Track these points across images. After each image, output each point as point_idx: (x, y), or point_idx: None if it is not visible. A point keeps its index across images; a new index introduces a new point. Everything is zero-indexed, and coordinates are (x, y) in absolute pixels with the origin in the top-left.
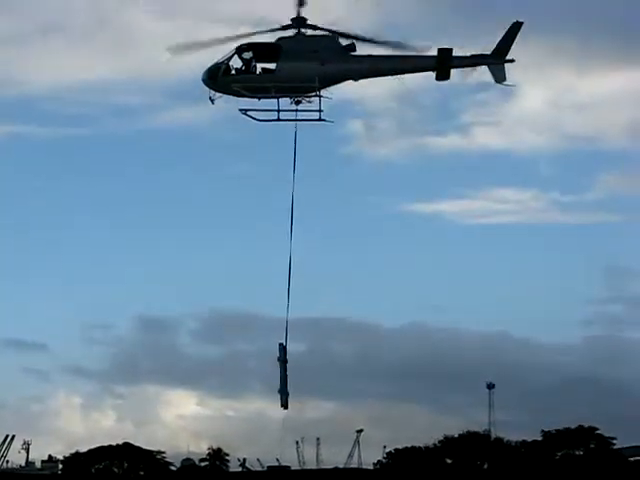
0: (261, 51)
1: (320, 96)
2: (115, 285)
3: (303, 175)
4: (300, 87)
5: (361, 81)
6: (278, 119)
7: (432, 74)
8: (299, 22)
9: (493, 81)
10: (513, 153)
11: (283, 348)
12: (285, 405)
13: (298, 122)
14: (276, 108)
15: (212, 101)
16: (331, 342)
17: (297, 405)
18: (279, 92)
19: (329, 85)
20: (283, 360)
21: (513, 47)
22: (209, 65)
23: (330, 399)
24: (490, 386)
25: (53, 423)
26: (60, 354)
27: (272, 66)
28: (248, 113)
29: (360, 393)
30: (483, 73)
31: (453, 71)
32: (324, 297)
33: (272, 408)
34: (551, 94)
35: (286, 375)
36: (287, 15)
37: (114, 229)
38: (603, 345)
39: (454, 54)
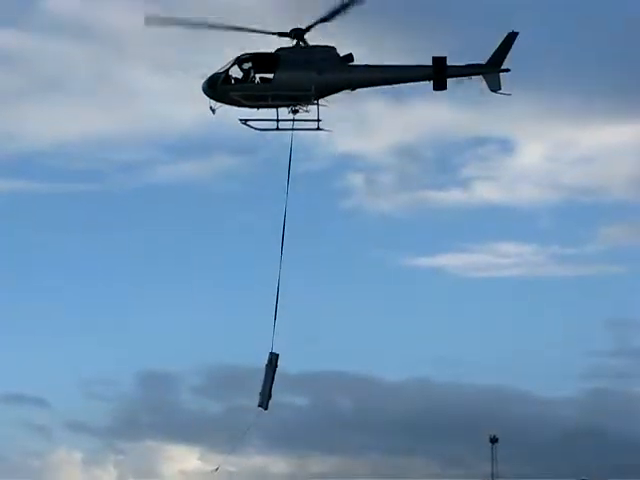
0: (260, 61)
1: (318, 105)
2: (116, 340)
3: (303, 228)
4: (297, 95)
5: (362, 136)
6: (277, 128)
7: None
8: (298, 32)
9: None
10: (513, 207)
11: (276, 356)
12: (266, 406)
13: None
14: (275, 118)
15: (213, 111)
16: (333, 396)
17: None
18: (276, 100)
19: (326, 94)
20: (274, 366)
21: (513, 95)
22: (209, 75)
23: (332, 453)
24: (493, 440)
25: (54, 479)
26: (61, 409)
27: (270, 75)
28: (248, 123)
29: (363, 447)
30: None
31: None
32: (325, 351)
33: (274, 464)
34: (550, 148)
35: (273, 380)
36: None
37: (116, 283)
38: (607, 398)
39: (450, 64)
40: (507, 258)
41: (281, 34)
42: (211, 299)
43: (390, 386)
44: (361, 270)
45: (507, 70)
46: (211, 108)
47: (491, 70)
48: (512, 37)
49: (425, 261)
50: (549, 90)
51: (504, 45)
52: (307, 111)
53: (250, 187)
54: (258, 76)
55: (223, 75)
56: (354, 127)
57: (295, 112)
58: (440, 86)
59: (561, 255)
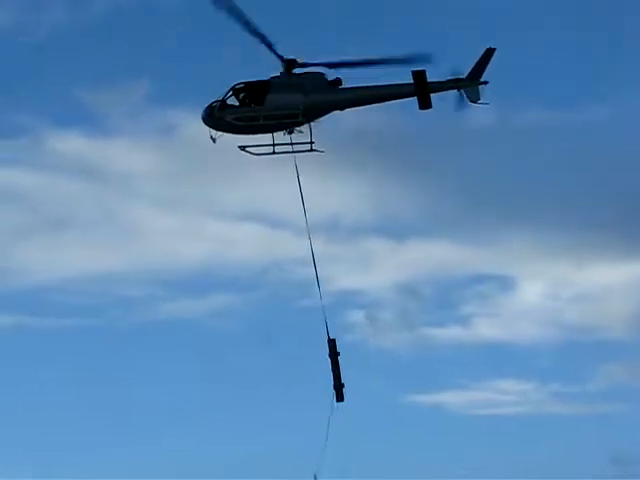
0: (253, 88)
1: (310, 128)
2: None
3: (303, 365)
4: (286, 114)
5: (364, 273)
6: (273, 152)
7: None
8: (289, 63)
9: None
10: (514, 345)
11: (333, 342)
12: (342, 398)
13: (296, 158)
14: (271, 143)
15: (213, 140)
16: None
17: None
18: (267, 120)
19: (317, 116)
20: (335, 354)
21: (513, 233)
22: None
23: None
24: None
25: None
26: None
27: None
28: (246, 149)
29: None
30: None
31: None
32: None
33: None
34: (550, 286)
35: (339, 369)
36: None
37: (118, 423)
38: None
39: (432, 80)
40: (508, 395)
41: (280, 58)
42: (215, 440)
43: None
44: (360, 406)
45: (485, 83)
46: (211, 137)
47: (471, 84)
48: (490, 52)
49: (425, 398)
50: (548, 228)
51: (483, 60)
52: (301, 132)
53: (249, 325)
54: (252, 101)
55: (220, 103)
56: (355, 265)
57: (290, 132)
58: (425, 103)
59: (562, 393)
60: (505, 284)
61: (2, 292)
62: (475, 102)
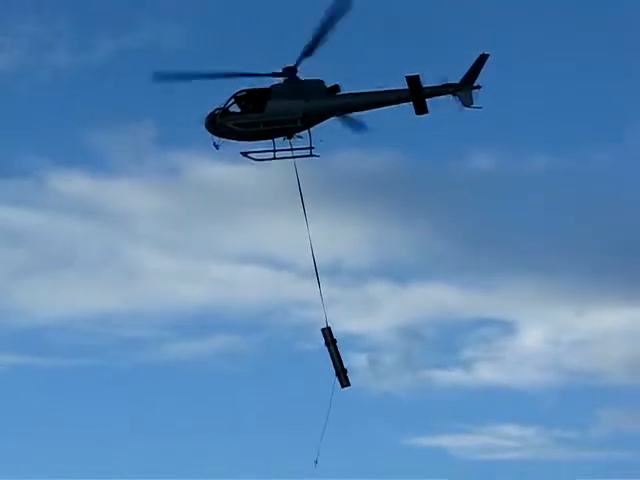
0: (254, 95)
1: (310, 134)
2: None
3: (305, 408)
4: (285, 120)
5: (366, 316)
6: (274, 157)
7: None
8: (289, 70)
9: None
10: (515, 389)
11: (328, 330)
12: (347, 382)
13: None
14: (272, 149)
15: (216, 147)
16: None
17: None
18: (267, 126)
19: (315, 122)
20: (332, 341)
21: (516, 278)
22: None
23: None
24: None
25: None
26: None
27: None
28: (248, 155)
29: None
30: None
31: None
32: None
33: None
34: (551, 331)
35: (338, 354)
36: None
37: (120, 466)
38: None
39: (426, 85)
40: (509, 440)
41: (275, 74)
42: None
43: None
44: (361, 448)
45: (479, 87)
46: (214, 144)
47: (464, 88)
48: (484, 58)
49: (426, 441)
50: (550, 273)
51: (476, 65)
52: (300, 137)
53: (252, 367)
54: (253, 108)
55: (221, 110)
56: (357, 308)
57: (290, 137)
58: (421, 108)
59: (564, 438)
60: (507, 328)
61: (3, 331)
62: (468, 106)
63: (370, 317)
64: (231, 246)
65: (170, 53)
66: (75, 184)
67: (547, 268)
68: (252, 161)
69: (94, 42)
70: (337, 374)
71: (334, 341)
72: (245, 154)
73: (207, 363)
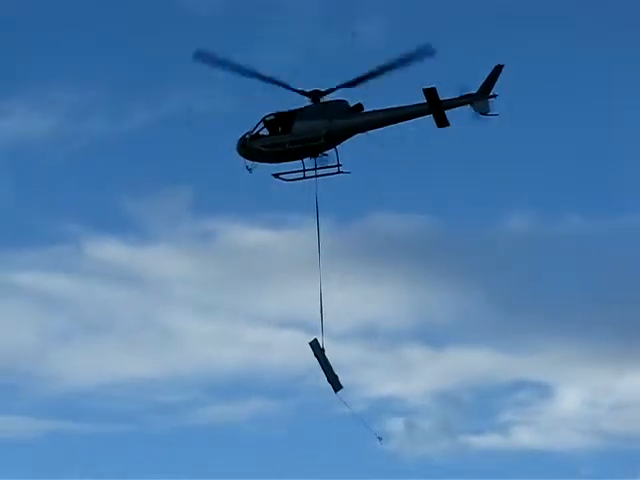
0: (282, 118)
1: (337, 152)
2: None
3: (343, 470)
4: (310, 139)
5: (401, 380)
6: (304, 177)
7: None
8: (316, 94)
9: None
10: (553, 453)
11: (315, 341)
12: (338, 386)
13: (320, 181)
14: (302, 169)
15: (249, 170)
16: None
17: None
18: (294, 144)
19: (340, 139)
20: (321, 351)
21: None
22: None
23: None
24: None
25: None
26: None
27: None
28: (280, 176)
29: None
30: None
31: None
32: None
33: None
34: (589, 393)
35: (327, 362)
36: None
37: None
38: None
39: (444, 98)
40: None
41: (303, 92)
42: None
43: None
44: None
45: (495, 96)
46: (247, 167)
47: (481, 98)
48: (499, 68)
49: None
50: (587, 334)
51: (492, 76)
52: (326, 155)
53: (286, 431)
54: (280, 130)
55: (252, 134)
56: (393, 372)
57: (315, 156)
58: (441, 121)
59: None
60: (544, 391)
61: (39, 397)
62: (485, 114)
63: (406, 381)
64: (265, 310)
65: (204, 117)
66: (111, 250)
67: (584, 330)
68: (284, 182)
69: (130, 109)
70: (329, 381)
71: (322, 351)
72: (276, 175)
73: (241, 427)
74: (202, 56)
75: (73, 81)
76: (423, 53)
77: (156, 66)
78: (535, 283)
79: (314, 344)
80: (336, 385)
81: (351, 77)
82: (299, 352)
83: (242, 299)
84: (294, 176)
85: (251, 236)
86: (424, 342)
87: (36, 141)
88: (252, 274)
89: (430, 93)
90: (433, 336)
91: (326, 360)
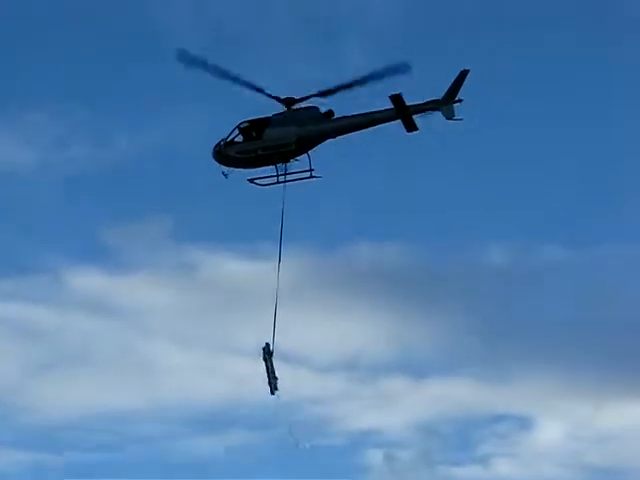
0: (255, 125)
1: (309, 157)
2: None
3: None
4: (281, 144)
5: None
6: (277, 182)
7: None
8: (289, 101)
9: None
10: None
11: (267, 345)
12: (276, 389)
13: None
14: (275, 174)
15: (225, 175)
16: None
17: None
18: (265, 150)
19: (311, 145)
20: (269, 354)
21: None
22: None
23: None
24: None
25: None
26: None
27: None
28: (254, 181)
29: None
30: None
31: None
32: None
33: None
34: (569, 426)
35: (272, 366)
36: None
37: None
38: None
39: (411, 103)
40: None
41: (277, 99)
42: None
43: None
44: None
45: (460, 100)
46: (223, 173)
47: (447, 103)
48: (464, 73)
49: None
50: (568, 367)
51: (457, 81)
52: (298, 160)
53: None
54: (253, 136)
55: (226, 140)
56: (374, 403)
57: (287, 162)
58: (410, 126)
59: None
60: (524, 423)
61: (18, 429)
62: (451, 119)
63: (387, 412)
64: (246, 341)
65: (187, 150)
66: (91, 280)
67: (564, 362)
68: (259, 187)
69: (111, 137)
70: (269, 383)
71: (271, 355)
72: (251, 180)
73: (222, 459)
74: (183, 56)
75: (54, 110)
76: (397, 70)
77: (137, 95)
78: (515, 314)
79: (266, 348)
80: (274, 388)
81: (326, 87)
82: (280, 383)
83: (222, 330)
84: (268, 181)
85: (230, 266)
86: (405, 373)
87: (16, 170)
88: (232, 305)
89: (396, 99)
90: (414, 367)
91: (272, 364)
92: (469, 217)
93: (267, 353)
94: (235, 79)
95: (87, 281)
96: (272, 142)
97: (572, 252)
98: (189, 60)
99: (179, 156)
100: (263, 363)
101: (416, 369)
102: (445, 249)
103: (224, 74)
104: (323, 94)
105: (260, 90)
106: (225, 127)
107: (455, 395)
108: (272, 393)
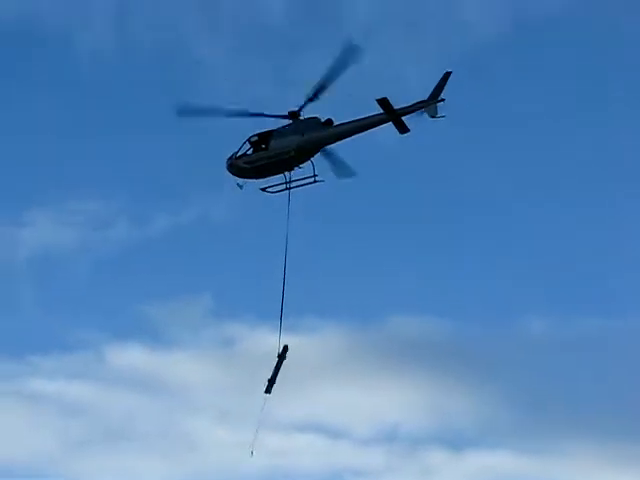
0: (263, 137)
1: (313, 164)
2: None
3: None
4: (282, 153)
5: None
6: (287, 188)
7: None
8: (292, 113)
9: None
10: None
11: (285, 348)
12: (270, 391)
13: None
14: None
15: (240, 187)
16: None
17: None
18: (270, 159)
19: (313, 152)
20: (283, 358)
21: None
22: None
23: None
24: None
25: None
26: None
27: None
28: (266, 190)
29: None
30: None
31: None
32: None
33: None
34: None
35: (280, 368)
36: None
37: None
38: None
39: (399, 106)
40: None
41: (280, 116)
42: None
43: None
44: None
45: (442, 100)
46: (238, 184)
47: (432, 102)
48: (447, 75)
49: None
50: (611, 437)
51: (441, 82)
52: (301, 167)
53: None
54: (261, 148)
55: (237, 153)
56: (413, 476)
57: (291, 170)
58: (401, 127)
59: None
60: None
61: None
62: (434, 117)
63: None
64: (286, 415)
65: (221, 225)
66: (133, 356)
67: (608, 432)
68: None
69: (151, 216)
70: (269, 381)
71: (284, 358)
72: (264, 189)
73: None
74: (184, 111)
75: (94, 190)
76: (349, 55)
77: (176, 174)
78: (555, 385)
79: (285, 350)
80: (270, 388)
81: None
82: (321, 457)
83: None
84: (278, 188)
85: (270, 340)
86: (444, 445)
87: (57, 250)
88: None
89: (383, 102)
90: (453, 439)
91: (281, 366)
92: (506, 288)
93: (283, 356)
94: (237, 113)
95: (129, 357)
96: (275, 151)
97: (611, 323)
98: (191, 112)
99: (213, 233)
100: (276, 360)
101: (455, 441)
102: (482, 321)
103: (228, 112)
104: (311, 99)
105: (261, 114)
106: (255, 198)
107: (495, 467)
108: (267, 392)
